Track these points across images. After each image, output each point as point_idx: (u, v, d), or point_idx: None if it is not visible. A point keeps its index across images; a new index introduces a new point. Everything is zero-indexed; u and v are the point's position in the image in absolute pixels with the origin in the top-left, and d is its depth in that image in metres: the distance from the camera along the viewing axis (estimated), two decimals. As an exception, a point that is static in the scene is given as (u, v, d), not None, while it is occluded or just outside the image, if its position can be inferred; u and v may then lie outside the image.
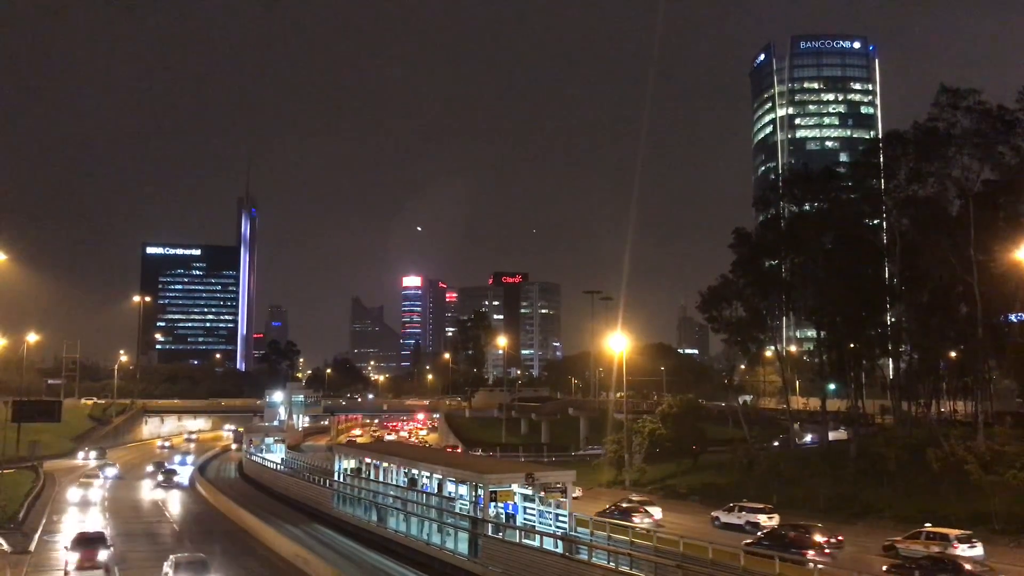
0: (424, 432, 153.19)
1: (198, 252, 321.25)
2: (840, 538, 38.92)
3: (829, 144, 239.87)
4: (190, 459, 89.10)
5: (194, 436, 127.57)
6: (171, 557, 32.86)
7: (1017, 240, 51.19)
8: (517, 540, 34.99)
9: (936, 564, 32.26)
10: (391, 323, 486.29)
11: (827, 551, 36.08)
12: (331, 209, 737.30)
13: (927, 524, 39.54)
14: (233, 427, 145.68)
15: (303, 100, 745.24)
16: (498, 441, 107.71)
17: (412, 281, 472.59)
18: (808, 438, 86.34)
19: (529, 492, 38.60)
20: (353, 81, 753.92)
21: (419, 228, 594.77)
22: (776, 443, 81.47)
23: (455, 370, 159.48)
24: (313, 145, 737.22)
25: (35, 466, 71.74)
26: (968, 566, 31.90)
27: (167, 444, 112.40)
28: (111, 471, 73.44)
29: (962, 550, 35.58)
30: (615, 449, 73.58)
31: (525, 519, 38.79)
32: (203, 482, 68.90)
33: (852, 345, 73.26)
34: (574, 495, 51.27)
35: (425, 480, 44.15)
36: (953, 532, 37.68)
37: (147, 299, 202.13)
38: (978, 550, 36.30)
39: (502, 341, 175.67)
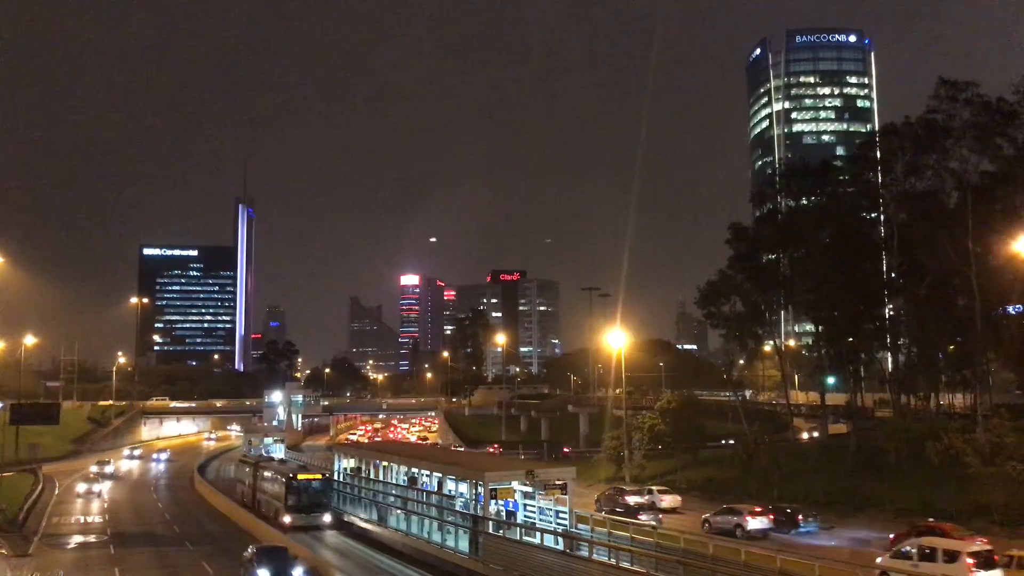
0: (434, 428, 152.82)
1: (195, 253, 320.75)
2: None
3: (826, 138, 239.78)
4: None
5: (109, 468, 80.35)
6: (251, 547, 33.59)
7: (1015, 232, 51.00)
8: (518, 538, 34.94)
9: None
10: (390, 322, 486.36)
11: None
12: (328, 209, 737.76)
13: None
14: (167, 454, 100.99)
15: (299, 100, 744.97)
16: (498, 439, 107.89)
17: (410, 280, 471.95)
18: (804, 435, 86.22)
19: (529, 489, 38.57)
20: (349, 81, 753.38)
21: (433, 239, 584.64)
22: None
23: (454, 368, 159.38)
24: (309, 144, 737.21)
25: (34, 469, 71.94)
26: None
27: (94, 489, 67.39)
28: None
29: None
30: (614, 445, 73.54)
31: (526, 516, 38.77)
32: None
33: (850, 339, 73.07)
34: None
35: (425, 478, 44.10)
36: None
37: (145, 300, 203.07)
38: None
39: (501, 339, 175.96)
